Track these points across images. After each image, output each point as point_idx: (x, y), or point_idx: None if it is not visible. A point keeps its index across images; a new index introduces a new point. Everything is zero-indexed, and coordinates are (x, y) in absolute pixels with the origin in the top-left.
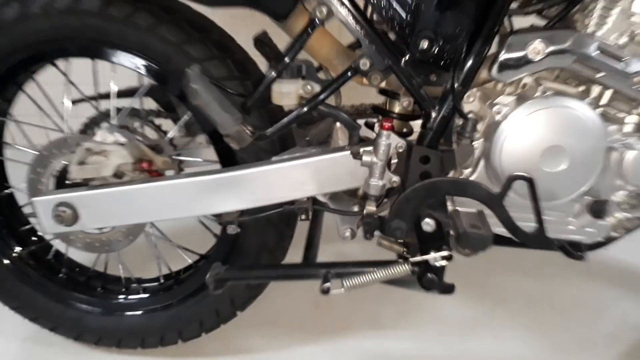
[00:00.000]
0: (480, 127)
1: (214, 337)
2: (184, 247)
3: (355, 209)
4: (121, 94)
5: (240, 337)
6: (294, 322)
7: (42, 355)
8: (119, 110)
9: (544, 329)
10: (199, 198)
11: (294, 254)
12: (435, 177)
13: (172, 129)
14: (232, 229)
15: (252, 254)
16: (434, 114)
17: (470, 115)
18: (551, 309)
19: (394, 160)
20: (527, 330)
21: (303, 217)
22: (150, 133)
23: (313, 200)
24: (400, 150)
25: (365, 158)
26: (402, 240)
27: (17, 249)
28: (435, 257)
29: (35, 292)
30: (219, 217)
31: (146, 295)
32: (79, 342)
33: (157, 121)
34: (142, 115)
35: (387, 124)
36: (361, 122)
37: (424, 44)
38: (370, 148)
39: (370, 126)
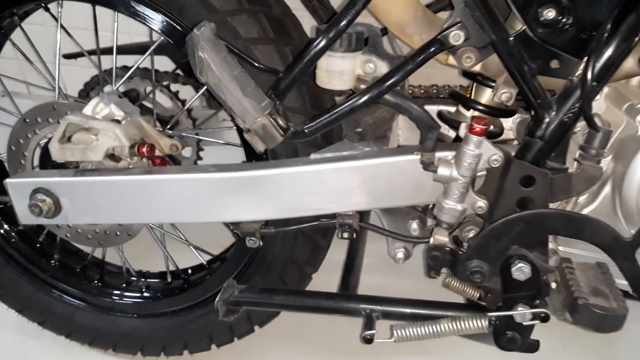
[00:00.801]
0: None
1: (225, 349)
2: (196, 246)
3: (414, 227)
4: (128, 50)
5: (256, 351)
6: (322, 338)
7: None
8: (124, 70)
9: None
10: (211, 201)
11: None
12: (539, 208)
13: (191, 98)
14: (252, 242)
15: (277, 266)
16: (548, 117)
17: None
18: (628, 346)
19: (479, 174)
20: None
21: (345, 235)
22: (166, 102)
23: (360, 215)
24: (495, 165)
25: (442, 171)
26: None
27: (5, 226)
28: (524, 315)
29: (22, 279)
30: (236, 227)
31: (149, 295)
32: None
33: (174, 87)
34: (154, 78)
35: (479, 127)
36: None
37: (549, 14)
38: (450, 156)
39: (445, 120)
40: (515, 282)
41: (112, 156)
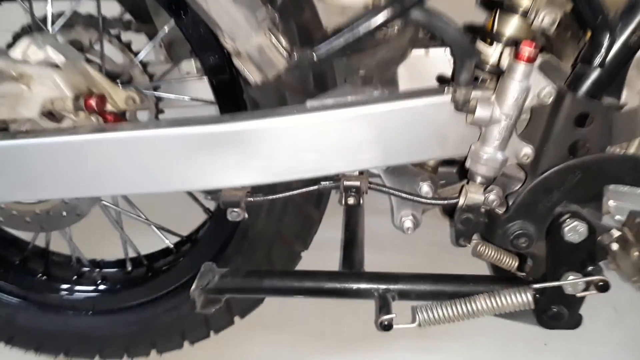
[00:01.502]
0: None
1: (199, 344)
2: (160, 226)
3: (425, 189)
4: None
5: (236, 344)
6: (309, 326)
7: None
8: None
9: (636, 342)
10: (183, 163)
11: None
12: (597, 152)
13: (145, 48)
14: (235, 215)
15: (262, 244)
16: (608, 39)
17: None
18: None
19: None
20: (617, 347)
21: (351, 201)
22: (115, 54)
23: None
24: (547, 101)
25: (482, 110)
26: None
27: None
28: (576, 285)
29: None
30: (214, 195)
31: (106, 288)
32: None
33: (125, 37)
34: (100, 26)
35: (528, 50)
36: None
37: None
38: (489, 93)
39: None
40: (567, 245)
41: (50, 115)
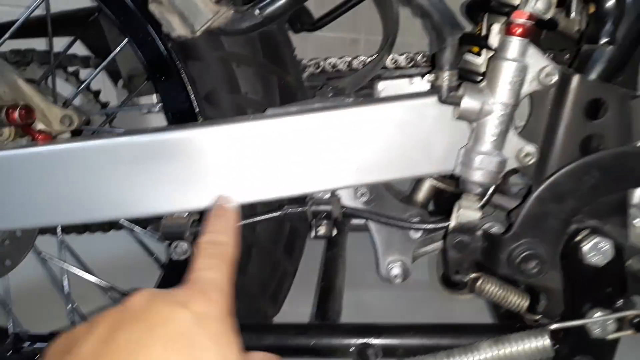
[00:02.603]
0: None
1: None
2: (110, 286)
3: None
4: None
5: None
6: None
7: None
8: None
9: None
10: (108, 184)
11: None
12: (617, 146)
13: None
14: (179, 251)
15: None
16: (614, 11)
17: None
18: None
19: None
20: None
21: (321, 231)
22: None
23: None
24: (549, 83)
25: (469, 101)
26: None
27: None
28: (605, 324)
29: None
30: (154, 226)
31: None
32: None
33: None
34: (52, 58)
35: (522, 22)
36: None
37: None
38: (478, 81)
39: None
40: (589, 269)
41: None
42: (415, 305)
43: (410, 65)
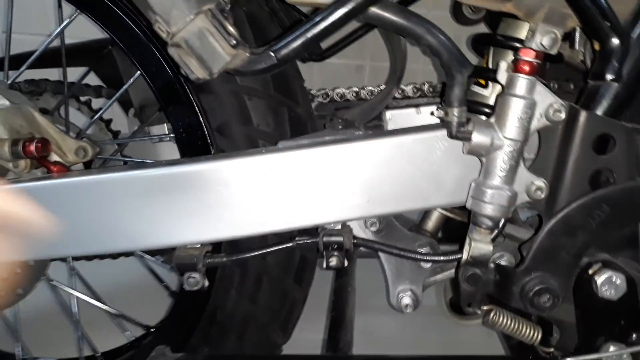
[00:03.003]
0: None
1: None
2: (123, 315)
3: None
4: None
5: None
6: None
7: None
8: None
9: None
10: (122, 217)
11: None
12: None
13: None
14: (192, 281)
15: (232, 329)
16: (619, 50)
17: None
18: None
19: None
20: None
21: (333, 262)
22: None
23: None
24: (557, 119)
25: (480, 136)
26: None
27: None
28: (619, 357)
29: None
30: (167, 257)
31: None
32: None
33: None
34: (65, 88)
35: (528, 60)
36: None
37: None
38: (487, 115)
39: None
40: (602, 303)
41: None
42: (423, 330)
43: (417, 95)
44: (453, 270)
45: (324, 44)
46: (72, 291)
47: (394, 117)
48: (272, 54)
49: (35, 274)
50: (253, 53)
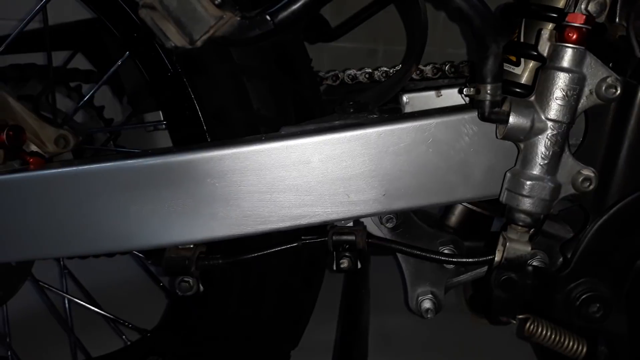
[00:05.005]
0: None
1: None
2: (116, 318)
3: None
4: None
5: None
6: None
7: None
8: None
9: None
10: (107, 213)
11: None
12: None
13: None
14: (185, 286)
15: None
16: None
17: None
18: None
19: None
20: None
21: (344, 264)
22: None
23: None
24: (611, 96)
25: (517, 118)
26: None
27: None
28: None
29: None
30: (157, 261)
31: None
32: None
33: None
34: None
35: (578, 26)
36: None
37: None
38: (525, 95)
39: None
40: None
41: None
42: (439, 329)
43: (437, 76)
44: (479, 271)
45: (334, 22)
46: (62, 293)
47: (412, 101)
48: (268, 17)
49: (18, 275)
50: (244, 17)
